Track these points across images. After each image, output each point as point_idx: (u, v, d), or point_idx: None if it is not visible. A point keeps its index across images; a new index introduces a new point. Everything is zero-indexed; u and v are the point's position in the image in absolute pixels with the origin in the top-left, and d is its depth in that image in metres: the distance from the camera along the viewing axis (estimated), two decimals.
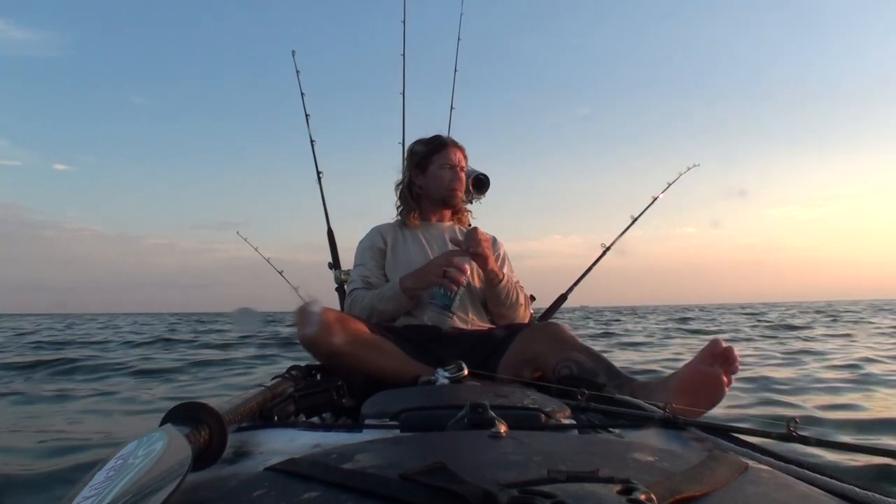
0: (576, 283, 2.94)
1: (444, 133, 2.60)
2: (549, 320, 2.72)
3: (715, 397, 1.55)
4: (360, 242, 2.43)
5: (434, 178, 2.38)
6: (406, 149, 2.50)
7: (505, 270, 2.30)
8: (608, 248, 2.96)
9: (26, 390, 4.73)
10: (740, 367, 1.58)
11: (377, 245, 2.36)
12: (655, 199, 3.03)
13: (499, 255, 2.41)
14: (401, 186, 2.47)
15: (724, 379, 1.54)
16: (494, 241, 2.45)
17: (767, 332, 10.95)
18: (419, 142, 2.47)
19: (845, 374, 4.78)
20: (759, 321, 15.56)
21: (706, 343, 1.58)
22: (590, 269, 2.97)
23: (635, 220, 3.01)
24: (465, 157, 2.45)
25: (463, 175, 2.42)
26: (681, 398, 1.52)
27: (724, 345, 1.56)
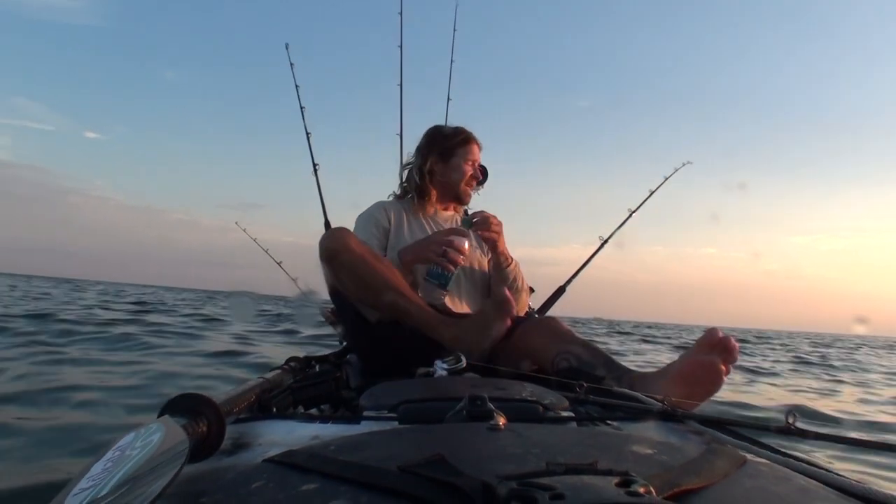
0: (574, 275, 2.95)
1: (441, 124, 2.60)
2: (546, 314, 2.74)
3: (713, 386, 1.56)
4: (362, 214, 2.40)
5: (455, 170, 2.38)
6: (426, 134, 2.47)
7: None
8: (606, 241, 3.00)
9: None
10: (739, 357, 1.58)
11: (381, 222, 2.33)
12: (652, 192, 3.07)
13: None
14: (410, 168, 2.45)
15: (723, 368, 1.55)
16: None
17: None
18: (442, 129, 2.46)
19: None
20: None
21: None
22: (588, 260, 2.99)
23: (632, 213, 3.04)
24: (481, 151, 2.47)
25: (482, 167, 2.44)
26: (679, 388, 1.54)
27: (721, 334, 1.56)
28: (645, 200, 3.06)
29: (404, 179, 2.49)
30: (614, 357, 1.83)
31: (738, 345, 1.56)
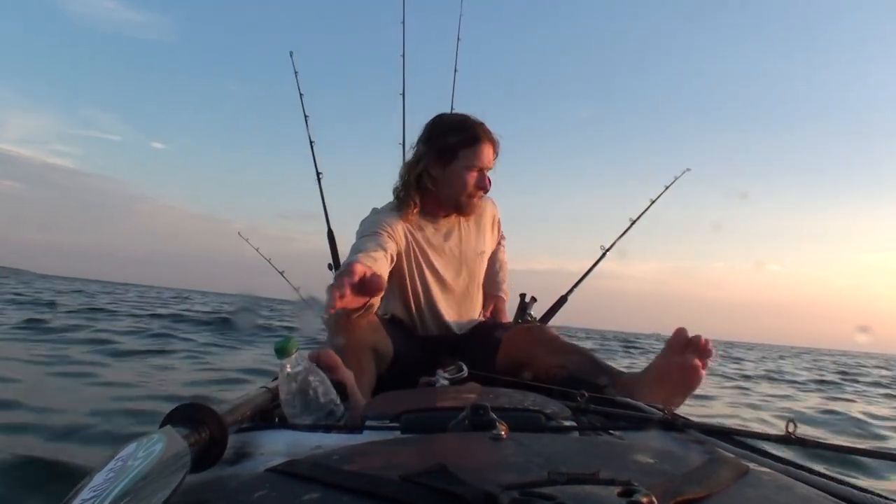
0: (576, 285, 2.93)
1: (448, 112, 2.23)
2: (535, 324, 2.49)
3: (692, 384, 1.59)
4: (365, 220, 2.03)
5: (455, 177, 1.99)
6: (428, 124, 2.08)
7: (492, 239, 2.30)
8: (607, 250, 2.96)
9: None
10: (715, 354, 1.62)
11: (380, 222, 1.95)
12: (653, 201, 3.03)
13: (495, 218, 2.32)
14: (408, 166, 2.06)
15: (699, 365, 1.58)
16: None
17: None
18: (446, 123, 2.06)
19: None
20: None
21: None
22: (589, 270, 2.97)
23: (634, 222, 3.01)
24: (497, 152, 2.04)
25: (487, 177, 2.03)
26: (658, 388, 1.58)
27: (690, 334, 1.60)
28: (646, 210, 3.03)
29: (407, 181, 2.05)
30: (601, 359, 1.85)
31: (709, 341, 1.59)
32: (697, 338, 1.59)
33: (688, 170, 3.07)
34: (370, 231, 1.90)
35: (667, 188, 3.06)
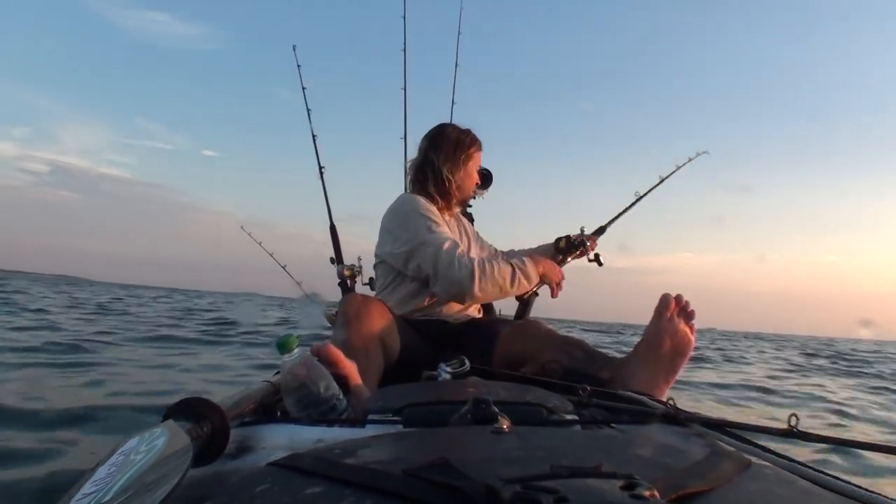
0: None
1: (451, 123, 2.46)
2: (526, 318, 2.47)
3: (685, 349, 1.64)
4: (415, 202, 2.16)
5: (469, 177, 2.29)
6: (444, 136, 2.28)
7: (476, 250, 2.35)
8: (602, 230, 2.69)
9: None
10: (695, 313, 1.66)
11: (437, 216, 2.15)
12: (662, 179, 2.88)
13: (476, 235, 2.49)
14: (424, 166, 2.26)
15: (688, 329, 1.64)
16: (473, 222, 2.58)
17: None
18: (460, 131, 2.30)
19: None
20: None
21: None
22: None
23: (640, 198, 2.83)
24: None
25: None
26: (652, 361, 1.61)
27: (672, 296, 1.65)
28: (655, 187, 2.86)
29: (427, 179, 2.26)
30: (594, 348, 1.88)
31: (689, 302, 1.66)
32: (679, 298, 1.65)
33: (705, 152, 2.94)
34: (445, 230, 2.11)
35: (678, 168, 2.92)
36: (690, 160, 2.92)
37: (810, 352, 16.85)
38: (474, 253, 2.22)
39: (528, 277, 2.06)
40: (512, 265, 2.04)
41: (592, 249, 2.54)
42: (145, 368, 4.68)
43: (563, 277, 2.22)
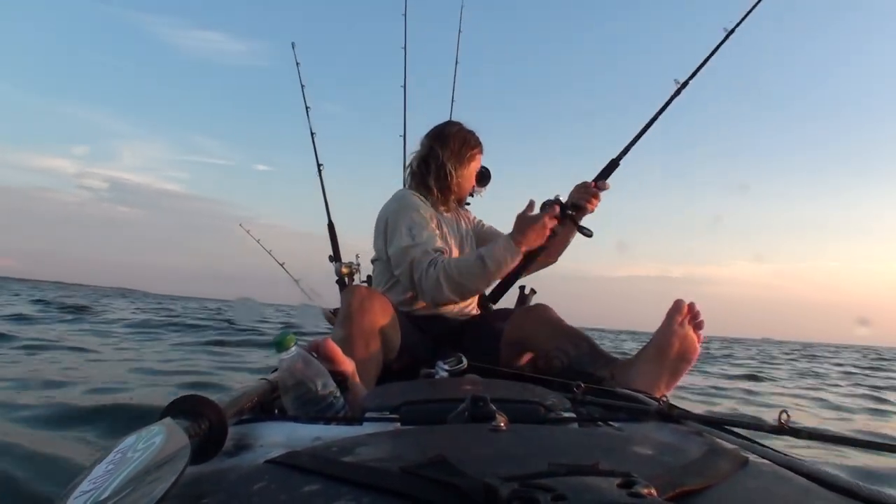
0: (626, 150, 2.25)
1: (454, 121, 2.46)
2: (536, 303, 2.36)
3: (691, 356, 1.66)
4: (404, 201, 2.18)
5: (469, 177, 2.32)
6: (450, 134, 2.28)
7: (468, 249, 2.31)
8: (654, 119, 2.25)
9: None
10: (704, 323, 1.68)
11: (427, 213, 2.16)
12: (706, 60, 2.29)
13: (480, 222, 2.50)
14: (423, 161, 2.28)
15: (695, 336, 1.66)
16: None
17: None
18: (466, 131, 2.31)
19: None
20: None
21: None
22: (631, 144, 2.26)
23: (683, 85, 2.24)
24: None
25: None
26: (658, 365, 1.62)
27: (686, 302, 1.67)
28: (697, 70, 2.27)
29: (430, 171, 2.26)
30: (600, 346, 1.88)
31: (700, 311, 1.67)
32: (692, 305, 1.67)
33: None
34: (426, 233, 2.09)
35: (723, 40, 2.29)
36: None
37: None
38: (467, 250, 2.24)
39: (498, 261, 1.96)
40: (479, 255, 1.98)
41: (593, 206, 2.14)
42: None
43: (546, 235, 2.00)
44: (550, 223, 1.99)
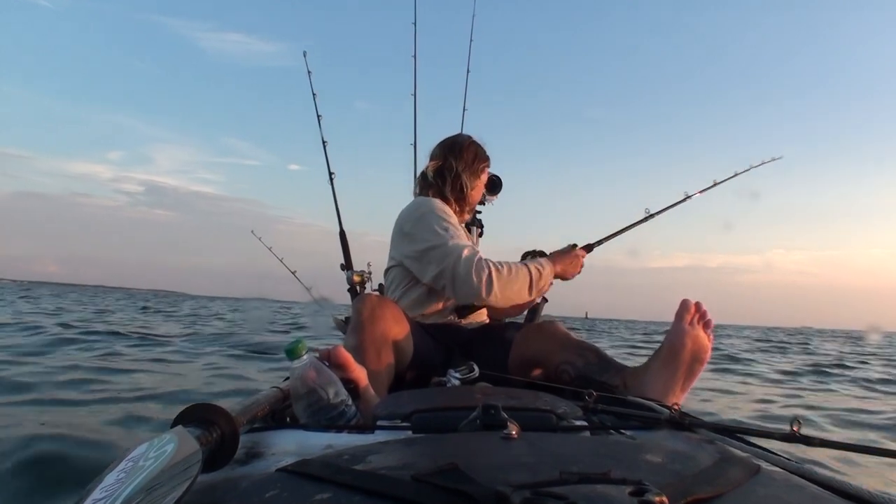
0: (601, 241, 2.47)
1: (465, 134, 2.49)
2: (544, 320, 2.43)
3: (703, 356, 1.65)
4: (432, 205, 2.15)
5: (479, 190, 2.37)
6: (464, 143, 2.33)
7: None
8: (652, 215, 2.50)
9: None
10: (713, 321, 1.67)
11: (454, 219, 2.14)
12: (717, 183, 2.65)
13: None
14: (439, 171, 2.29)
15: (706, 337, 1.65)
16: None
17: None
18: (478, 145, 2.35)
19: None
20: None
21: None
22: (623, 231, 2.51)
23: (688, 197, 2.57)
24: None
25: None
26: (670, 368, 1.62)
27: (693, 302, 1.66)
28: (707, 189, 2.63)
29: (446, 183, 2.28)
30: (609, 355, 1.87)
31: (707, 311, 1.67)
32: (699, 305, 1.66)
33: (779, 157, 2.72)
34: (462, 234, 2.11)
35: (741, 172, 2.69)
36: (764, 163, 2.70)
37: None
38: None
39: (544, 275, 2.07)
40: (526, 263, 2.05)
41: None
42: None
43: (580, 265, 2.23)
44: (582, 256, 2.20)
